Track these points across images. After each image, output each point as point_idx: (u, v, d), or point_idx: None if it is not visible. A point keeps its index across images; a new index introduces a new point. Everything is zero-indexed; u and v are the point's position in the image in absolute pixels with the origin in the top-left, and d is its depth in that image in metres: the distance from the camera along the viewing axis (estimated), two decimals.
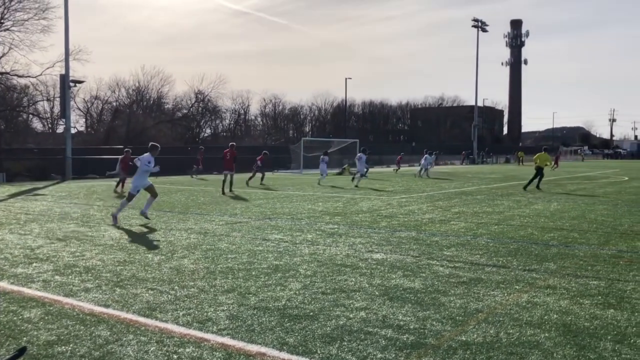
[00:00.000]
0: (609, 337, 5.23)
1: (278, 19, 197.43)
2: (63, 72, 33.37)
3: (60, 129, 61.44)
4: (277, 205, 16.65)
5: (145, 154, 13.39)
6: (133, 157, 14.65)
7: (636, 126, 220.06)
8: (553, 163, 49.86)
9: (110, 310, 6.02)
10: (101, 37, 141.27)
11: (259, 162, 26.78)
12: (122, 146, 45.61)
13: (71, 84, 34.00)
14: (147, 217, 13.24)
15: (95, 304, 6.28)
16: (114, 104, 74.08)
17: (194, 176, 31.94)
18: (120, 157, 22.29)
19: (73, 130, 51.30)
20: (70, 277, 7.50)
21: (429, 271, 7.91)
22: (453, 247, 9.82)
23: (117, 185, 22.08)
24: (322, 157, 28.68)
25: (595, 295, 6.71)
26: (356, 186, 24.06)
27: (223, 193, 20.38)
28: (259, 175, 27.06)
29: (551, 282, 7.33)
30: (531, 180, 23.08)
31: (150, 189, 13.36)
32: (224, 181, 21.04)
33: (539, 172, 22.97)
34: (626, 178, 34.34)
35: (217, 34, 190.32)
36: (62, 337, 5.13)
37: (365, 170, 27.51)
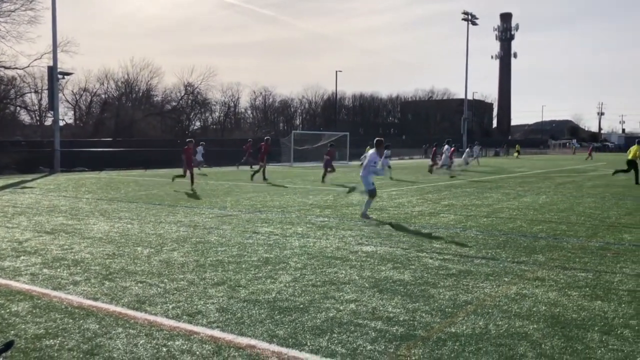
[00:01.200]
0: (596, 328, 5.27)
1: (267, 10, 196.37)
2: (51, 63, 33.01)
3: (48, 122, 61.07)
4: (268, 198, 16.62)
5: (371, 151, 12.58)
6: (193, 147, 14.20)
7: (624, 119, 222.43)
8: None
9: (99, 304, 5.99)
10: (90, 29, 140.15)
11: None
12: (110, 138, 45.38)
13: (59, 76, 33.65)
14: (367, 218, 12.16)
15: (84, 297, 6.24)
16: (103, 96, 73.54)
17: (241, 167, 32.80)
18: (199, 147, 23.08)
19: (61, 123, 50.82)
20: (58, 270, 7.46)
21: (418, 263, 7.94)
22: (442, 239, 9.86)
23: (182, 176, 20.47)
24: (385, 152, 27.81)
25: (583, 287, 6.77)
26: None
27: (265, 179, 23.27)
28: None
29: (540, 274, 7.38)
30: (636, 175, 22.20)
31: (370, 191, 12.50)
32: (259, 171, 24.08)
33: (635, 165, 22.38)
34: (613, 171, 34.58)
35: (206, 26, 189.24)
36: (50, 331, 5.10)
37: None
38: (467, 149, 37.53)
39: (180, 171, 21.03)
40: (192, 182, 20.07)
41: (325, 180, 23.35)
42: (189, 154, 20.12)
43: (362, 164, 24.31)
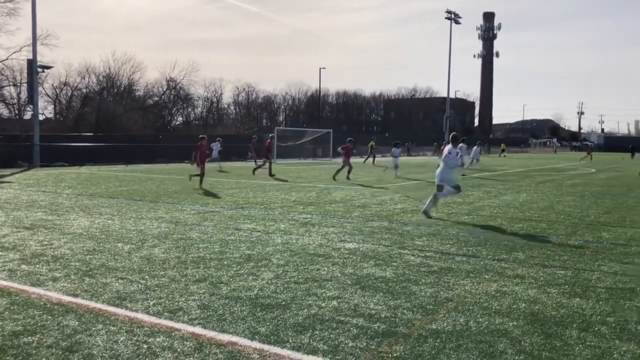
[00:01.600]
0: (575, 325, 5.35)
1: (251, 6, 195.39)
2: (30, 56, 32.53)
3: (27, 115, 60.02)
4: (250, 194, 16.58)
5: (449, 146, 12.33)
6: (210, 144, 13.79)
7: (603, 119, 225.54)
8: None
9: (78, 300, 5.93)
10: (71, 22, 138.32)
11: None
12: (91, 133, 44.85)
13: (39, 70, 33.16)
14: (429, 216, 12.07)
15: (64, 293, 6.17)
16: (84, 90, 72.52)
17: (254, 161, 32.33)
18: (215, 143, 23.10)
19: (41, 117, 50.14)
20: (37, 266, 7.36)
21: (400, 260, 7.98)
22: (424, 236, 9.92)
23: (198, 175, 18.77)
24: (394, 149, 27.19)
25: (562, 284, 6.85)
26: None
27: (271, 175, 23.44)
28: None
29: (520, 271, 7.46)
30: None
31: (455, 187, 12.26)
32: (261, 167, 24.86)
33: None
34: (593, 170, 35.10)
35: (189, 20, 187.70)
36: (28, 328, 5.03)
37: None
38: (475, 147, 37.51)
39: (195, 169, 19.27)
40: (202, 180, 18.71)
41: (350, 177, 22.16)
42: (202, 151, 18.84)
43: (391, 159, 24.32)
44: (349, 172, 22.25)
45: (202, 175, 18.60)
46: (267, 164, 25.18)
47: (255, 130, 69.46)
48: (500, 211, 13.40)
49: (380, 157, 44.21)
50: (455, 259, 8.17)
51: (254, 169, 25.16)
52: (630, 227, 11.21)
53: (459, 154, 11.99)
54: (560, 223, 11.67)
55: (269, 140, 25.45)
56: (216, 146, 29.97)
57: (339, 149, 23.11)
